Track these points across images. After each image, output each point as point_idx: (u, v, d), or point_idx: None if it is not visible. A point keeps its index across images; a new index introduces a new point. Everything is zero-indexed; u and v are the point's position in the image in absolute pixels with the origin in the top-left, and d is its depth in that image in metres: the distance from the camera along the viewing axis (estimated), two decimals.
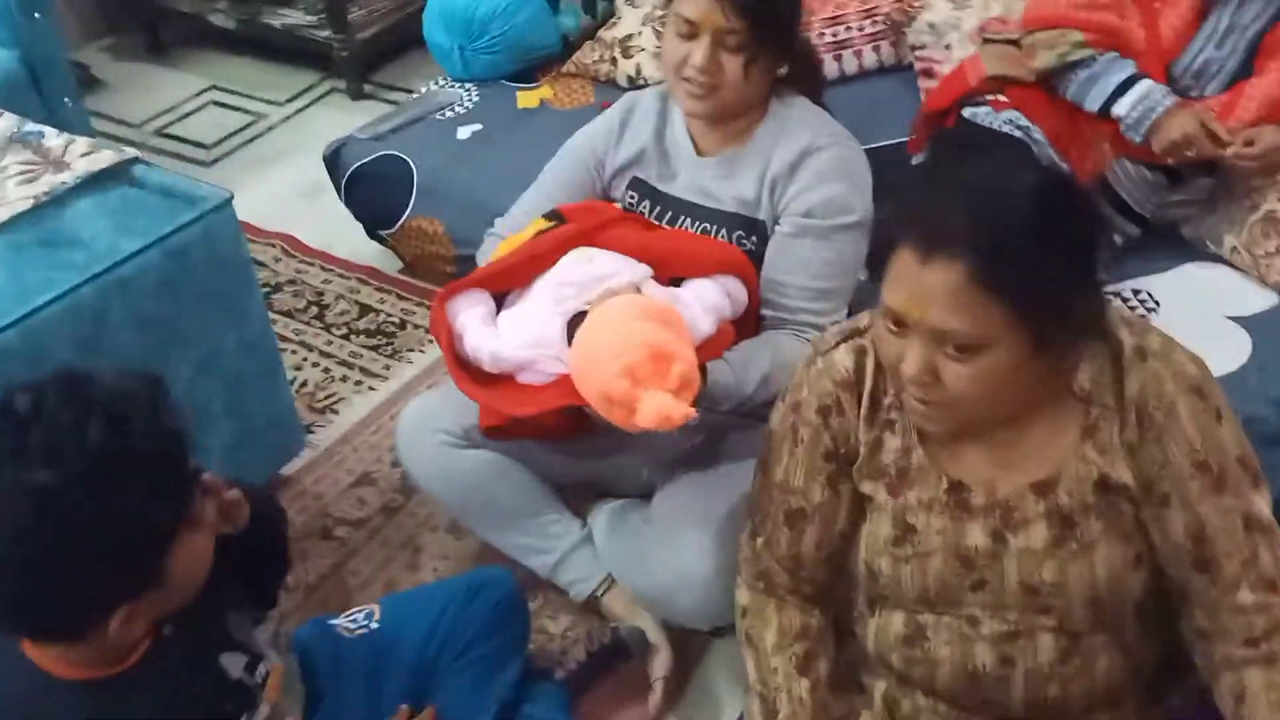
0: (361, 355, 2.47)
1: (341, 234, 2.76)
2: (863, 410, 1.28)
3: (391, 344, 2.49)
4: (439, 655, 1.55)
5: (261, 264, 2.75)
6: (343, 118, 3.25)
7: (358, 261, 2.74)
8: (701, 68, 1.54)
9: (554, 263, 1.58)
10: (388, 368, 2.42)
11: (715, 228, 1.67)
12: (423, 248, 2.51)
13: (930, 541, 1.25)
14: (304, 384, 2.38)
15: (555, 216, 1.69)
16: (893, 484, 1.28)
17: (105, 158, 1.82)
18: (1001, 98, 2.07)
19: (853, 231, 1.62)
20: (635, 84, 2.69)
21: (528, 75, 2.78)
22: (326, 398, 2.35)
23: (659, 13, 2.57)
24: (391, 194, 2.50)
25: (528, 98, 2.69)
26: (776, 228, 1.65)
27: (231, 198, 1.76)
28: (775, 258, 1.64)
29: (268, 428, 1.95)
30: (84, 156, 1.83)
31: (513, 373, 1.54)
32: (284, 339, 2.50)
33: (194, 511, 1.10)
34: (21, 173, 1.79)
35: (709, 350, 1.51)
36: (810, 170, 1.60)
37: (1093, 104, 1.97)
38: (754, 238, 1.66)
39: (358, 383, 2.39)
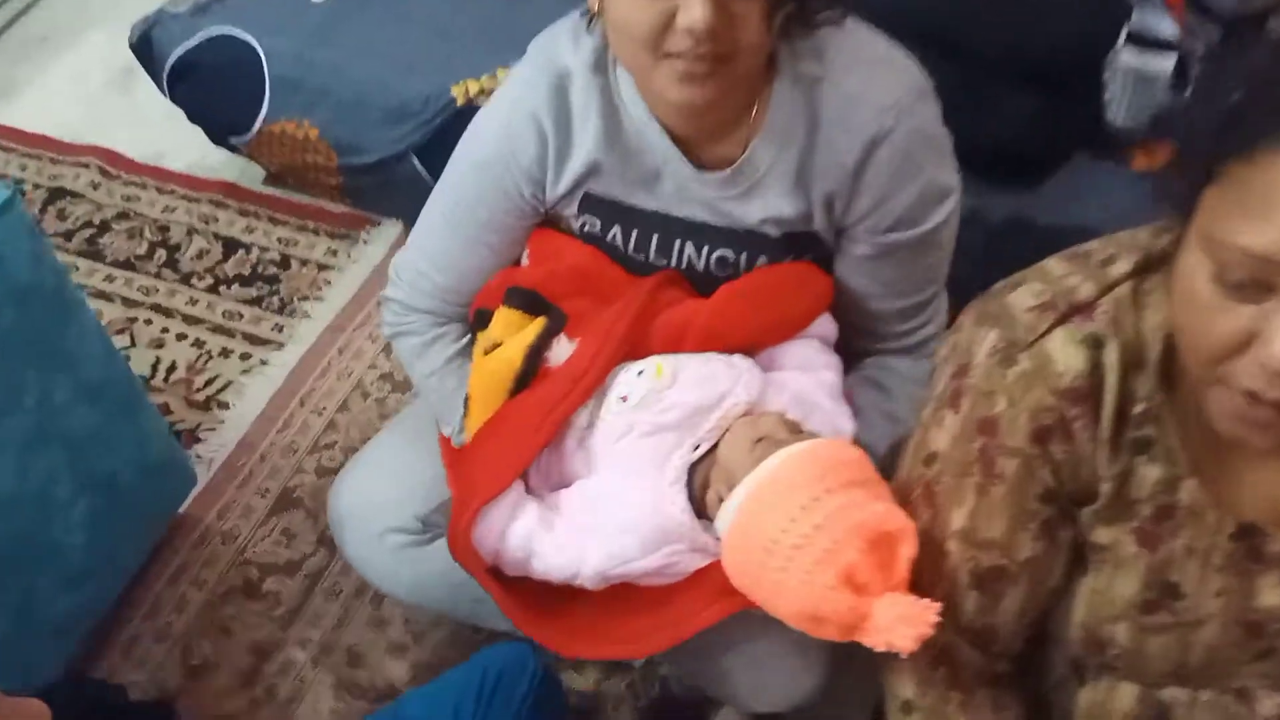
0: (240, 315, 1.88)
1: (175, 137, 2.10)
2: (1104, 430, 0.86)
3: (276, 293, 1.91)
4: None
5: (72, 193, 2.09)
6: None
7: (205, 176, 2.10)
8: (706, 32, 0.92)
9: (590, 391, 1.06)
10: (279, 328, 1.85)
11: (743, 256, 1.13)
12: (294, 156, 1.89)
13: (1204, 606, 0.88)
14: (171, 369, 1.81)
15: (531, 301, 1.13)
16: (1147, 530, 0.88)
17: None
18: None
19: (950, 218, 1.12)
20: None
21: None
22: (207, 385, 1.78)
23: None
24: (236, 90, 1.85)
25: None
26: (845, 244, 1.12)
27: (14, 195, 1.14)
28: (853, 281, 1.14)
29: (142, 482, 1.40)
30: None
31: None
32: (129, 303, 1.90)
33: None
34: None
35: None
36: (882, 171, 1.05)
37: None
38: (808, 255, 1.14)
39: (245, 355, 1.82)
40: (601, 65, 1.06)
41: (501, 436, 1.10)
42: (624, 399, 1.07)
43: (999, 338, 0.88)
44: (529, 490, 1.09)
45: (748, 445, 0.97)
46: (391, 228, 1.98)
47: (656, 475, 1.05)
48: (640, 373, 1.08)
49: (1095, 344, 0.85)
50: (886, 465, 1.10)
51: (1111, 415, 0.85)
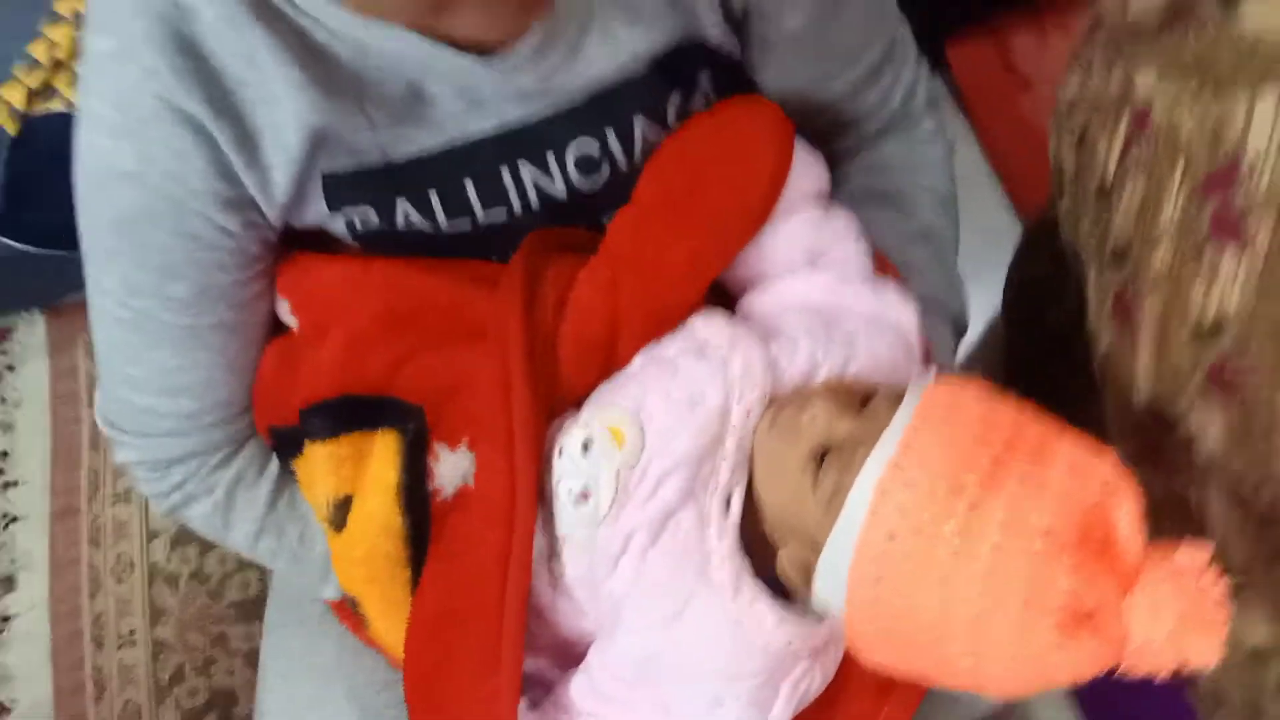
0: None
1: None
2: None
3: None
4: None
5: None
6: None
7: None
8: None
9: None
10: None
11: (605, 138, 0.75)
12: None
13: None
14: None
15: (359, 415, 0.74)
16: None
17: None
18: None
19: None
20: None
21: None
22: None
23: None
24: None
25: None
26: (760, 30, 0.76)
27: None
28: (791, 77, 0.79)
29: None
30: None
31: None
32: None
33: None
34: None
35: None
36: None
37: None
38: (704, 78, 0.76)
39: None
40: None
41: (455, 658, 0.72)
42: (584, 497, 0.68)
43: None
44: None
45: (803, 475, 0.62)
46: (31, 327, 1.39)
47: (707, 591, 0.67)
48: (585, 446, 0.68)
49: None
50: (955, 305, 0.84)
51: None
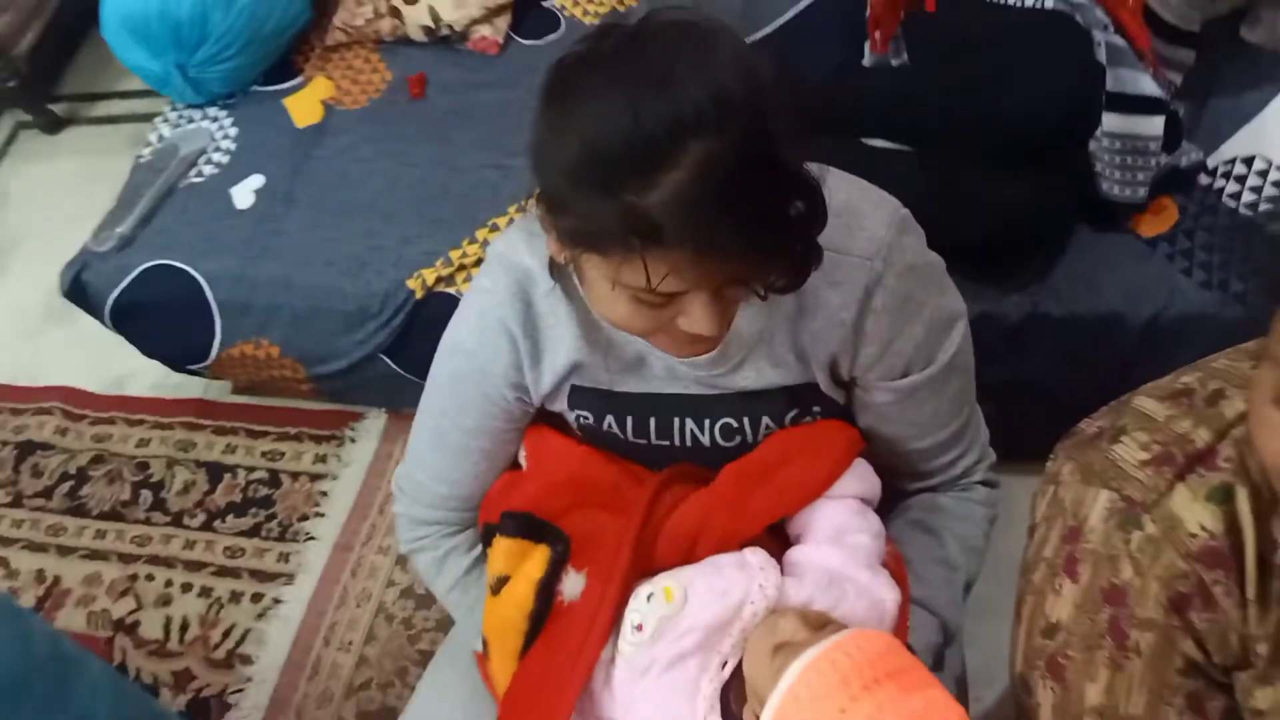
0: (242, 550, 1.80)
1: (131, 360, 2.00)
2: (1250, 588, 0.79)
3: (274, 516, 1.82)
4: None
5: (44, 445, 2.01)
6: (51, 168, 2.40)
7: (172, 397, 2.01)
8: (710, 333, 0.88)
9: (609, 629, 0.99)
10: (285, 557, 1.77)
11: (746, 420, 1.07)
12: (259, 374, 1.80)
13: None
14: (184, 627, 1.72)
15: (530, 527, 1.06)
16: None
17: None
18: None
19: (963, 342, 1.05)
20: (435, 33, 1.94)
21: (286, 69, 1.98)
22: (224, 638, 1.70)
23: None
24: (185, 321, 1.76)
25: (302, 107, 1.90)
26: (862, 395, 1.06)
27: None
28: (884, 428, 1.07)
29: None
30: None
31: None
32: (126, 559, 1.82)
33: None
34: None
35: (904, 618, 1.03)
36: (883, 318, 0.98)
37: None
38: (816, 409, 1.07)
39: (256, 596, 1.74)
40: (564, 268, 0.98)
41: (537, 699, 1.03)
42: (639, 628, 1.00)
43: (1112, 499, 0.82)
44: None
45: (767, 656, 0.91)
46: (376, 419, 1.89)
47: (689, 709, 0.97)
48: (650, 596, 1.01)
49: (1225, 496, 0.78)
50: (950, 618, 1.07)
51: (1254, 570, 0.78)
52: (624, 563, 1.02)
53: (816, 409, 1.07)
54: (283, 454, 1.89)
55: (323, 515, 1.80)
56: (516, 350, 1.04)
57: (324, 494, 1.82)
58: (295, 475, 1.85)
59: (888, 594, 1.02)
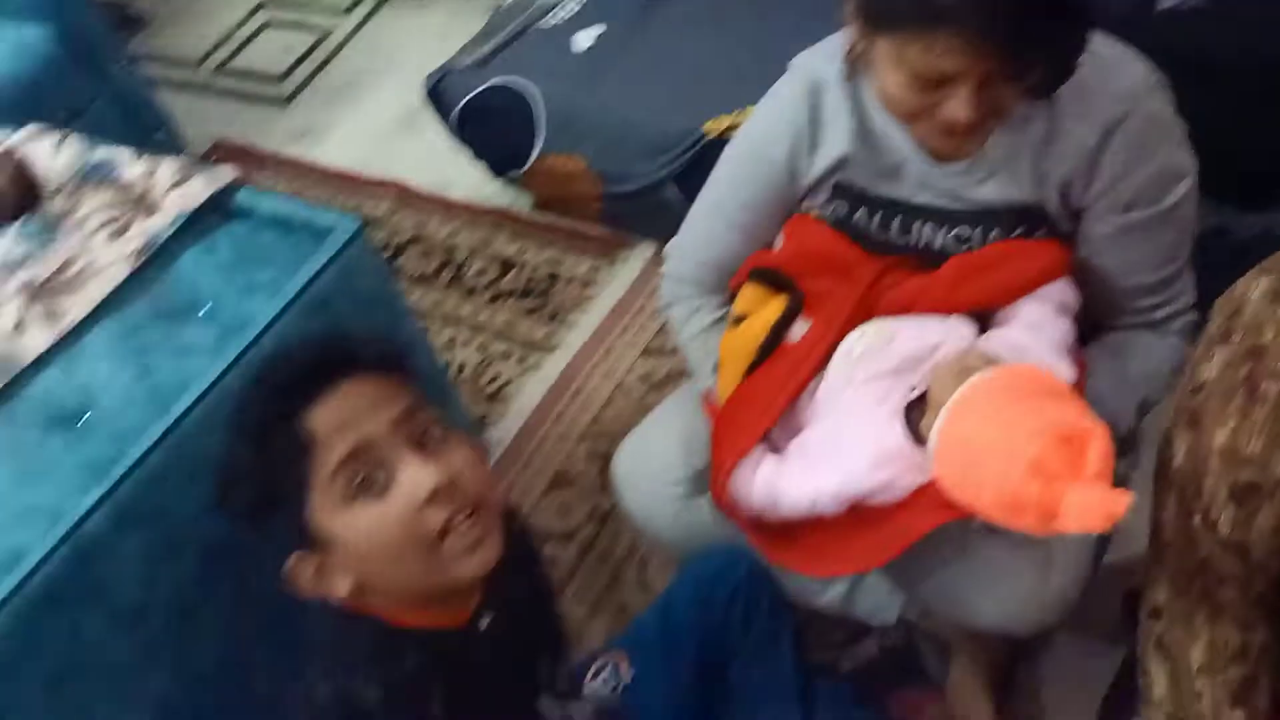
0: (517, 324, 2.16)
1: (455, 170, 2.42)
2: None
3: (546, 304, 2.17)
4: (705, 683, 1.37)
5: (376, 221, 2.44)
6: (417, 20, 2.84)
7: (483, 204, 2.40)
8: (969, 121, 1.09)
9: (822, 362, 1.23)
10: (550, 335, 2.12)
11: (978, 230, 1.27)
12: (563, 188, 2.15)
13: None
14: (461, 369, 2.10)
15: (774, 280, 1.32)
16: None
17: (199, 189, 1.49)
18: None
19: (1186, 198, 1.20)
20: None
21: None
22: (491, 382, 2.06)
23: None
24: (514, 130, 2.13)
25: None
26: (1085, 224, 1.24)
27: (363, 227, 1.43)
28: (1098, 260, 1.25)
29: None
30: (174, 189, 1.50)
31: (856, 505, 1.21)
32: (426, 316, 2.21)
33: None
34: (106, 223, 1.48)
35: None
36: (1118, 154, 1.17)
37: None
38: (1041, 231, 1.26)
39: (521, 359, 2.09)
40: (853, 75, 1.23)
41: (749, 407, 1.28)
42: (848, 354, 1.24)
43: (1273, 281, 0.97)
44: (770, 442, 1.26)
45: (950, 377, 1.10)
46: (645, 249, 2.21)
47: (874, 409, 1.19)
48: (863, 333, 1.24)
49: None
50: (1118, 421, 1.20)
51: None
52: (845, 313, 1.26)
53: (1041, 231, 1.25)
54: (563, 262, 2.24)
55: (586, 312, 2.14)
56: (798, 138, 1.27)
57: (590, 297, 2.16)
58: (570, 279, 2.20)
59: (1065, 374, 1.21)
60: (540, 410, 1.98)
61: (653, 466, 1.41)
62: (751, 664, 1.37)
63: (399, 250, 2.36)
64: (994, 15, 1.02)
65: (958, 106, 1.08)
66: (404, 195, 2.48)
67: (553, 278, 2.21)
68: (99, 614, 1.19)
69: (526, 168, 2.16)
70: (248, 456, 0.95)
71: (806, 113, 1.26)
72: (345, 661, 0.97)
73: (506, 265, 2.27)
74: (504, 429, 1.96)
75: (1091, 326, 1.29)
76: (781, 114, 1.29)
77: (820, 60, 1.28)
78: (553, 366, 2.05)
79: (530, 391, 2.02)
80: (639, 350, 2.02)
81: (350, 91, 2.87)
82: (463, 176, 2.42)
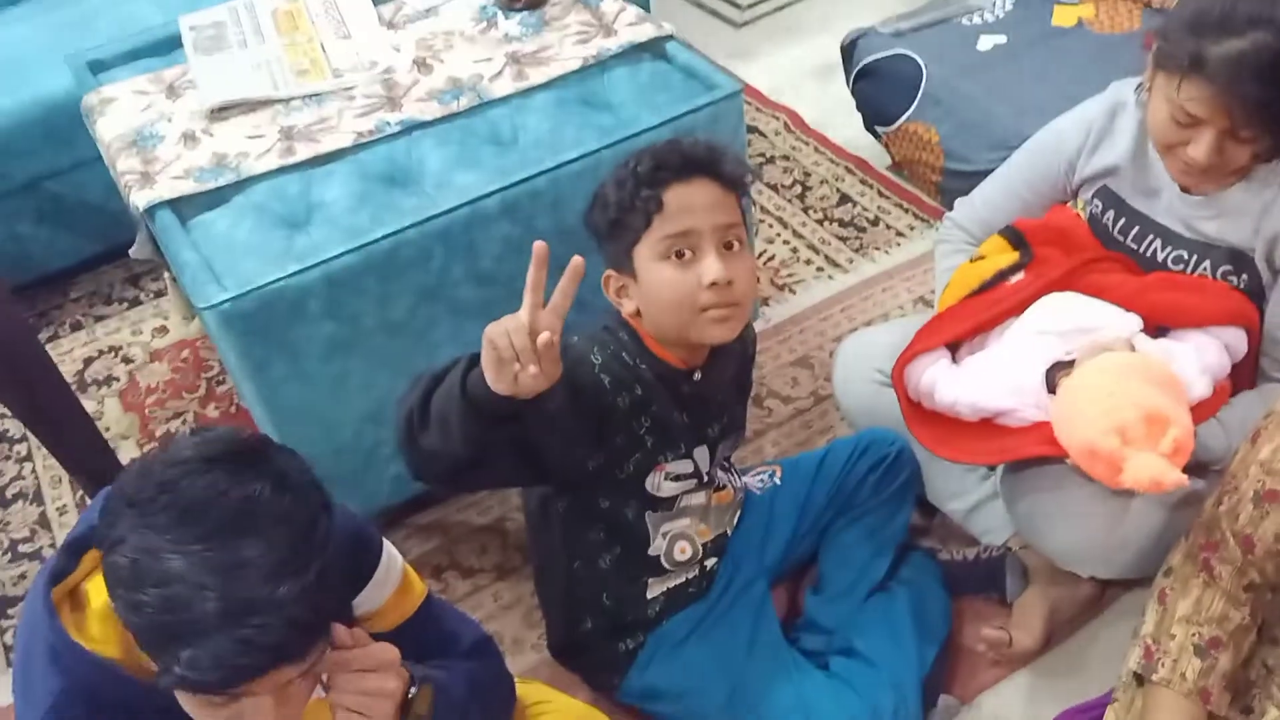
0: (830, 243, 2.58)
1: (841, 119, 2.85)
2: None
3: (861, 238, 2.57)
4: (828, 514, 1.74)
5: (762, 134, 2.93)
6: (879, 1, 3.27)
7: (850, 150, 2.82)
8: (1203, 164, 1.39)
9: (1019, 308, 1.55)
10: (851, 261, 2.52)
11: (1194, 258, 1.53)
12: (914, 153, 2.53)
13: None
14: (771, 258, 2.55)
15: (1016, 238, 1.64)
16: None
17: (645, 31, 2.02)
18: None
19: None
20: None
21: None
22: (788, 276, 2.50)
23: None
24: (897, 93, 2.53)
25: (1065, 14, 2.55)
26: (1268, 285, 1.49)
27: (741, 90, 1.90)
28: (1270, 308, 1.50)
29: None
30: (630, 26, 2.05)
31: (989, 419, 1.53)
32: (764, 211, 2.67)
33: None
34: (578, 33, 2.05)
35: (1202, 412, 1.43)
36: None
37: None
38: (1244, 275, 1.51)
39: (819, 269, 2.51)
40: (1143, 104, 1.54)
41: (950, 320, 1.64)
42: (1039, 308, 1.55)
43: None
44: (955, 353, 1.62)
45: (1094, 351, 1.42)
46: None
47: (1031, 355, 1.50)
48: (1057, 298, 1.55)
49: None
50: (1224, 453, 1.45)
51: None
52: (1053, 274, 1.59)
53: (1243, 276, 1.52)
54: (890, 212, 2.63)
55: (888, 255, 2.52)
56: (1086, 140, 1.61)
57: (897, 244, 2.54)
58: (889, 226, 2.59)
59: (1199, 390, 1.47)
60: (815, 309, 2.40)
61: (863, 357, 1.80)
62: (863, 520, 1.74)
63: (769, 159, 2.84)
64: (1240, 79, 1.32)
65: (1196, 148, 1.40)
66: (793, 122, 2.94)
67: (876, 221, 2.61)
68: (461, 267, 1.76)
69: (893, 127, 2.55)
70: (617, 198, 1.39)
71: (1101, 122, 1.60)
72: (610, 349, 1.43)
73: (844, 198, 2.68)
74: (778, 311, 2.40)
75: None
76: (1083, 118, 1.63)
77: (1128, 87, 1.61)
78: (840, 283, 2.46)
79: (814, 293, 2.44)
80: (914, 298, 2.38)
81: (792, 35, 3.36)
82: (844, 124, 2.85)
